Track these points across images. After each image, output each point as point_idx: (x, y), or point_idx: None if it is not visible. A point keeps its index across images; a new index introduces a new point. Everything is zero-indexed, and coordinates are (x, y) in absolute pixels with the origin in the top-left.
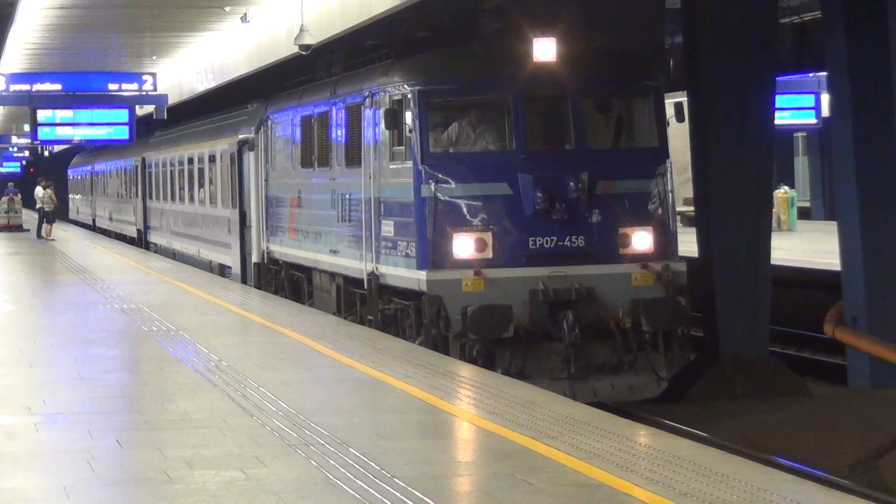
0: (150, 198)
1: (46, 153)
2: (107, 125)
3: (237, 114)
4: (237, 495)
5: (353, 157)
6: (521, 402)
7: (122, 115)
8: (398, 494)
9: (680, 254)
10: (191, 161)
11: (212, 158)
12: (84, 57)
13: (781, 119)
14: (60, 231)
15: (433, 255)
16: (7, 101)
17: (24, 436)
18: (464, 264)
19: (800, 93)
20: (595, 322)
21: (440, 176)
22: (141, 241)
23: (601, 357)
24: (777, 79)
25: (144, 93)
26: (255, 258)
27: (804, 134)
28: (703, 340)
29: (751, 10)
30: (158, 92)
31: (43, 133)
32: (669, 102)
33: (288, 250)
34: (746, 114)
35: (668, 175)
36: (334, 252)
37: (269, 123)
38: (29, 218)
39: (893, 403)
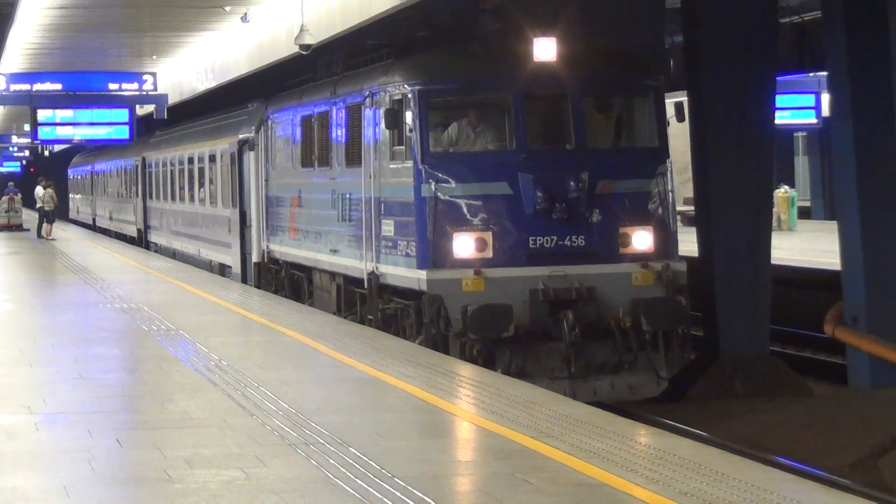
0: (151, 197)
1: (47, 153)
2: (107, 125)
3: (237, 113)
4: (237, 495)
5: (354, 156)
6: (522, 402)
7: (123, 114)
8: (398, 494)
9: (680, 253)
10: (191, 161)
11: (212, 158)
12: (84, 57)
13: (782, 119)
14: (60, 231)
15: (433, 254)
16: (7, 100)
17: (24, 435)
18: (464, 264)
19: (800, 92)
20: (595, 321)
21: (440, 175)
22: (141, 241)
23: (601, 356)
24: (777, 78)
25: (145, 92)
26: (255, 258)
27: (804, 133)
28: (703, 340)
29: (751, 9)
30: (159, 91)
31: (43, 133)
32: (669, 102)
33: (288, 250)
34: (747, 113)
35: (669, 175)
36: (334, 251)
37: (270, 123)
38: (29, 217)
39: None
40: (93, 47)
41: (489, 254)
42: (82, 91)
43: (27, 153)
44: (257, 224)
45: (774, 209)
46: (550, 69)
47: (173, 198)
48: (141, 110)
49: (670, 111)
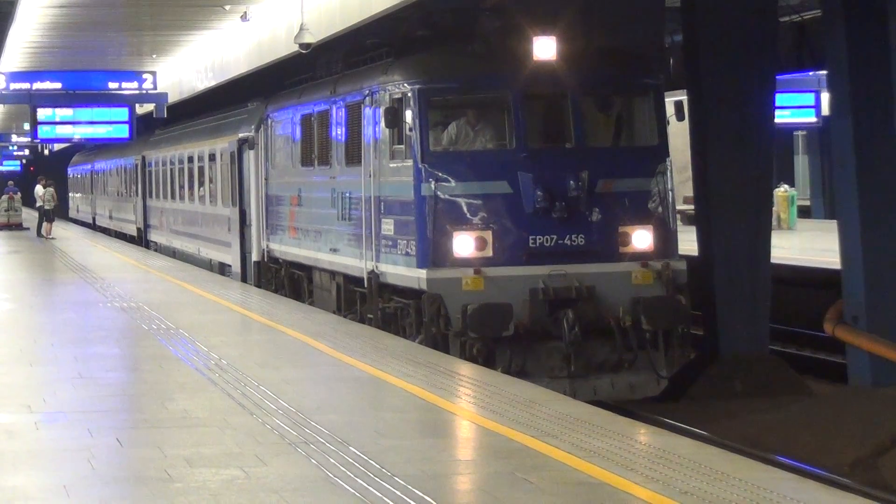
0: (150, 196)
1: (46, 152)
2: (107, 124)
3: (237, 112)
4: (237, 494)
5: (354, 155)
6: (522, 401)
7: (122, 113)
8: (398, 493)
9: (680, 252)
10: (191, 159)
11: (212, 157)
12: (84, 55)
13: (781, 117)
14: (60, 230)
15: (433, 253)
16: (7, 99)
17: (24, 434)
18: (464, 263)
19: (800, 91)
20: (595, 320)
21: (440, 174)
22: (141, 240)
23: (601, 355)
24: (777, 77)
25: (144, 91)
26: (255, 257)
27: (804, 132)
28: (703, 339)
29: (751, 8)
30: (158, 90)
31: (43, 131)
32: (669, 101)
33: (288, 249)
34: (746, 112)
35: (668, 173)
36: (334, 251)
37: (269, 122)
38: (29, 216)
39: None
40: (93, 46)
41: (489, 253)
42: (82, 90)
43: (27, 152)
44: (257, 223)
45: (774, 208)
46: (550, 68)
47: (173, 197)
48: (141, 109)
49: (670, 110)
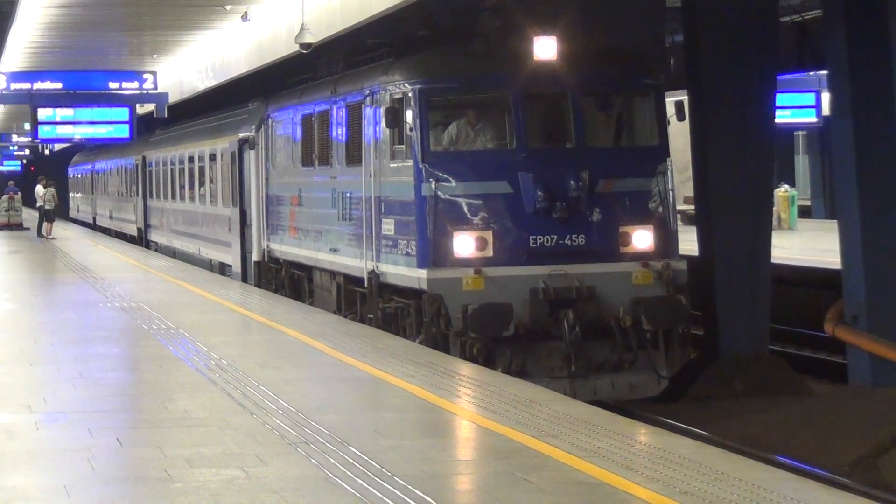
0: (151, 196)
1: (47, 152)
2: (107, 124)
3: (238, 112)
4: (237, 494)
5: (354, 155)
6: (522, 401)
7: (123, 113)
8: (398, 493)
9: (680, 252)
10: (191, 160)
11: (212, 157)
12: (84, 55)
13: (782, 117)
14: (61, 230)
15: (434, 253)
16: (8, 99)
17: (24, 434)
18: (464, 263)
19: (800, 91)
20: (595, 320)
21: (441, 174)
22: (141, 240)
23: (601, 355)
24: (778, 77)
25: (145, 91)
26: (255, 257)
27: (805, 132)
28: (703, 339)
29: (751, 8)
30: (159, 90)
31: (43, 132)
32: (670, 101)
33: (288, 249)
34: (747, 112)
35: (669, 173)
36: (335, 250)
37: (270, 122)
38: (29, 216)
39: None
40: (93, 46)
41: (489, 253)
42: (83, 90)
43: (27, 152)
44: (257, 223)
45: (774, 208)
46: (551, 68)
47: (173, 197)
48: (141, 109)
49: (671, 110)
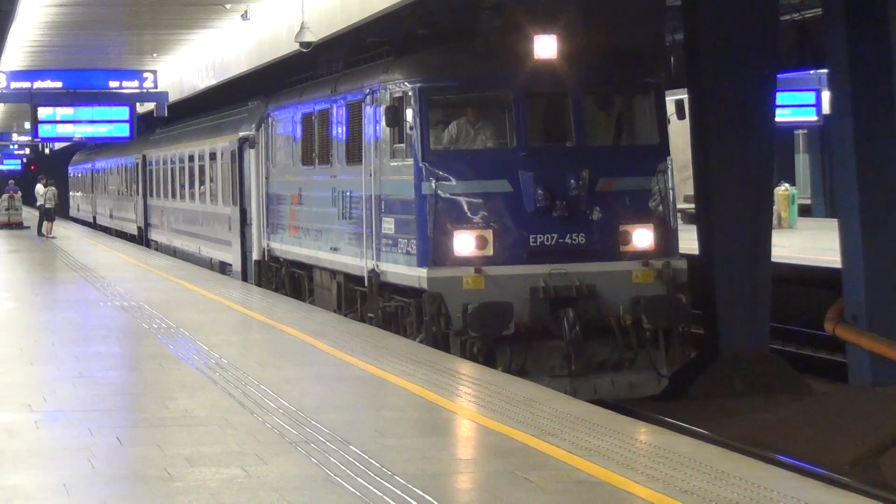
0: (151, 195)
1: (47, 151)
2: (107, 122)
3: (238, 111)
4: (237, 493)
5: (354, 154)
6: (522, 400)
7: (123, 112)
8: (399, 492)
9: (680, 251)
10: (191, 158)
11: (212, 156)
12: (85, 54)
13: (782, 116)
14: (61, 229)
15: (434, 252)
16: (8, 98)
17: (24, 433)
18: (464, 262)
19: (801, 90)
20: (596, 319)
21: (441, 173)
22: (141, 239)
23: (602, 354)
24: (778, 76)
25: (145, 90)
26: (255, 255)
27: (805, 131)
28: (703, 338)
29: (751, 7)
30: (159, 89)
31: (44, 130)
32: (670, 100)
33: (289, 248)
34: (747, 111)
35: (669, 172)
36: (335, 249)
37: (270, 121)
38: (29, 215)
39: None
40: (93, 45)
41: (490, 252)
42: (83, 89)
43: (27, 151)
44: (258, 222)
45: (775, 207)
46: (551, 67)
47: (174, 196)
48: (141, 108)
49: (671, 109)
